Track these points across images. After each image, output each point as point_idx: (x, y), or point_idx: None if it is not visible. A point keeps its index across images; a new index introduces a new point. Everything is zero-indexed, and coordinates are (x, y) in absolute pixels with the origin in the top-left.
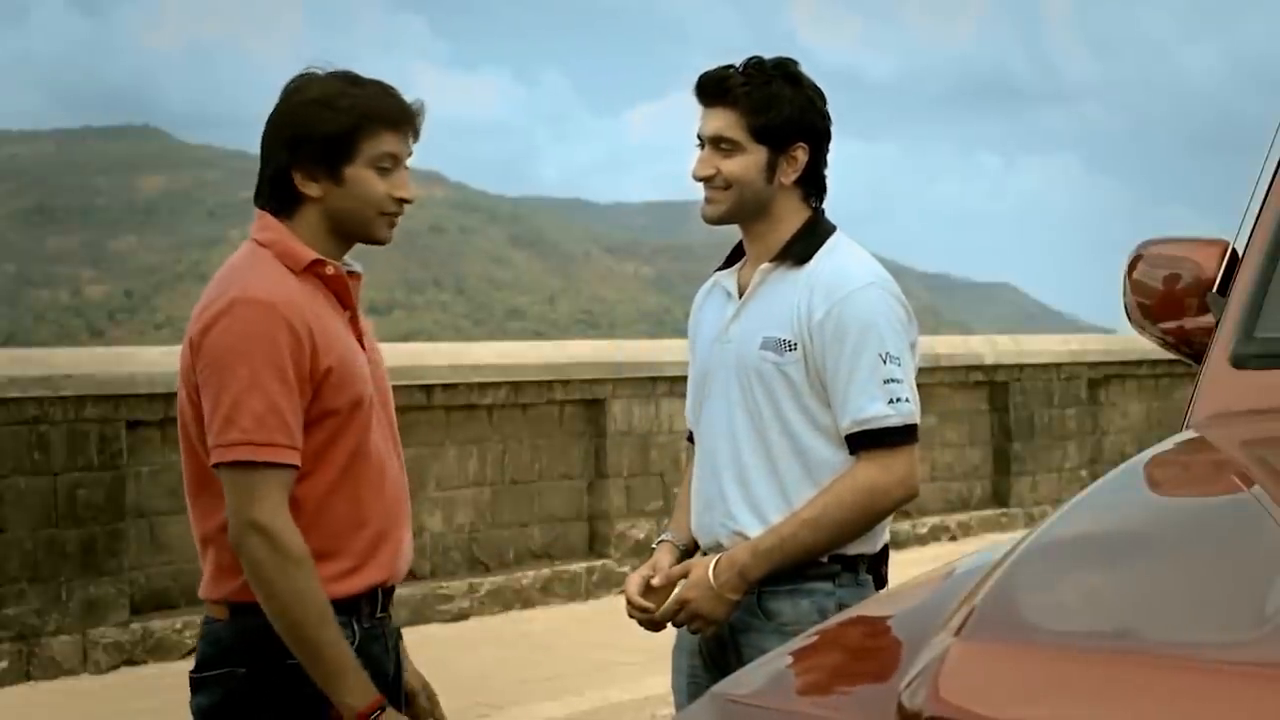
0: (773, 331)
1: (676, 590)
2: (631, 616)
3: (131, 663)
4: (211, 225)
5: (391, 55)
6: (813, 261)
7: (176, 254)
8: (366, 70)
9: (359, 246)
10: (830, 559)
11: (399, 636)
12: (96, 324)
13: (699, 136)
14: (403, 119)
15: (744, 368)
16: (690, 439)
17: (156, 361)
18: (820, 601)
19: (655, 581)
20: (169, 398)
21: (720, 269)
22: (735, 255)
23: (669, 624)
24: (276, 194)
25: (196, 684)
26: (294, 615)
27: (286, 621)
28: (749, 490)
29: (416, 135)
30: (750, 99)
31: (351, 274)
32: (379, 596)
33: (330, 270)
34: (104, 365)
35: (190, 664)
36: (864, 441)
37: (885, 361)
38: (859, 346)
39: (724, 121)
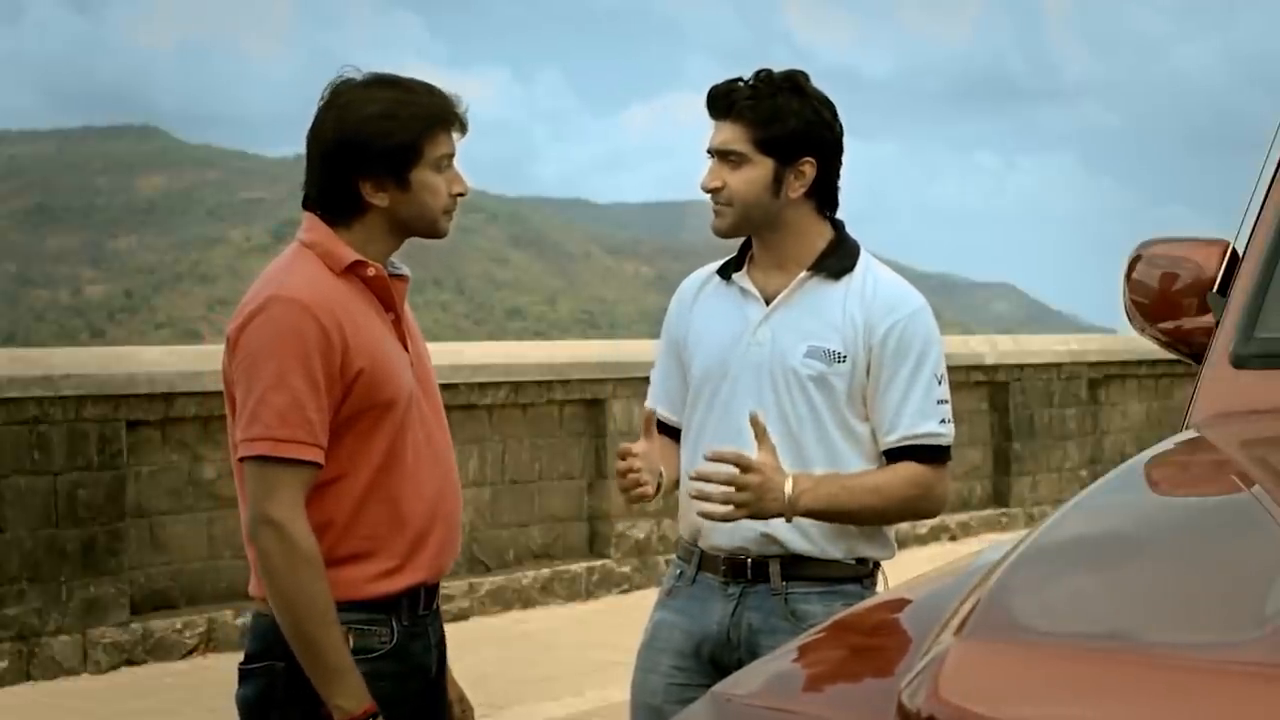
0: (819, 341)
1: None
2: (626, 477)
3: (131, 663)
4: (211, 225)
5: (388, 54)
6: (853, 276)
7: (176, 254)
8: (363, 69)
9: None
10: (858, 561)
11: (443, 637)
12: (96, 324)
13: (709, 149)
14: (454, 118)
15: (781, 373)
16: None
17: (156, 361)
18: (852, 603)
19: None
20: (169, 398)
21: (727, 265)
22: (743, 252)
23: (725, 507)
24: (338, 204)
25: (242, 675)
26: (298, 612)
27: (291, 618)
28: None
29: (464, 129)
30: (755, 111)
31: (397, 276)
32: (420, 595)
33: (371, 272)
34: (104, 365)
35: (189, 664)
36: (912, 455)
37: (940, 382)
38: (919, 365)
39: (730, 134)
